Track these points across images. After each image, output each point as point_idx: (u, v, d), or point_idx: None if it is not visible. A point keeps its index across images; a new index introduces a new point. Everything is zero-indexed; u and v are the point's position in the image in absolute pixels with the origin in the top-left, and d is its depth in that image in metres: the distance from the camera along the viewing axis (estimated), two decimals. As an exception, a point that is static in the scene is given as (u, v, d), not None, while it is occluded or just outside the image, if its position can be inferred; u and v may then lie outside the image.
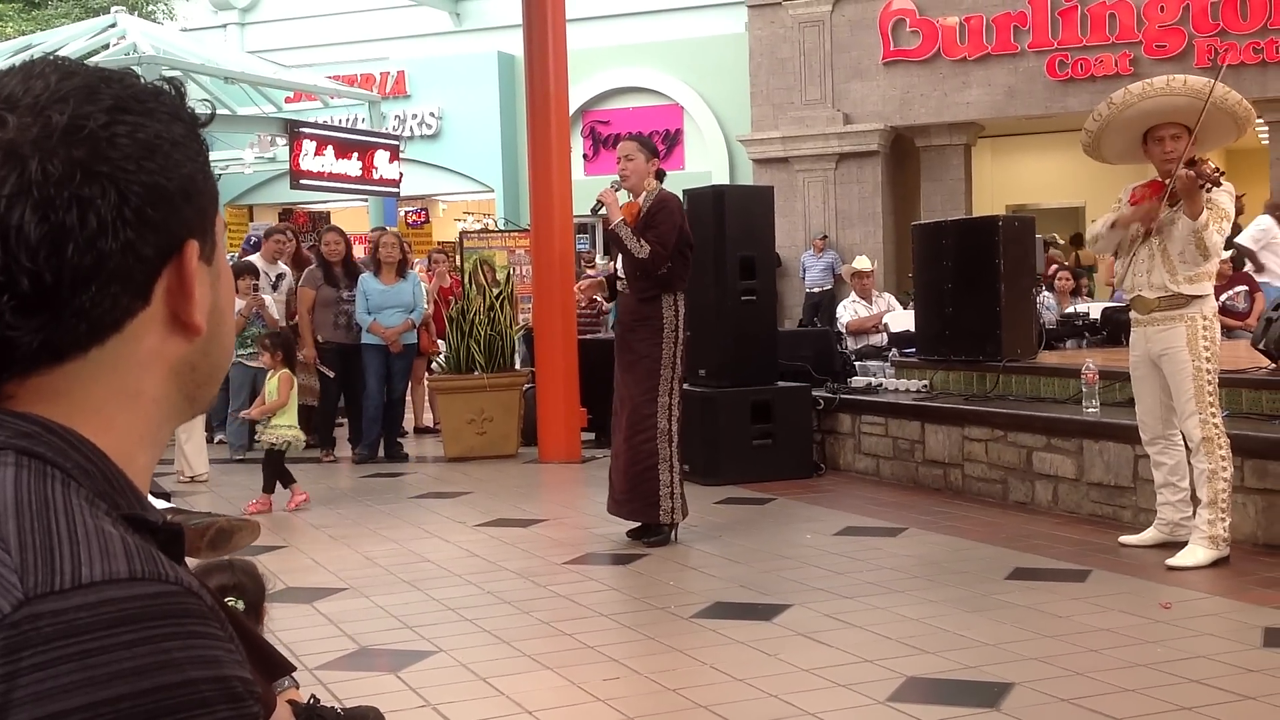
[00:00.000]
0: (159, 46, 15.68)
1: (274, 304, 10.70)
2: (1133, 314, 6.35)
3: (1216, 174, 5.93)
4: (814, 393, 9.25)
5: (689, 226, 6.97)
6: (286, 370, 8.41)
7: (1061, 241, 19.47)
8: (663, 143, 21.73)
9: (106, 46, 15.76)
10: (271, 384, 8.41)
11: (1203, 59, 16.94)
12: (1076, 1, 17.84)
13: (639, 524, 6.89)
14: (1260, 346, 7.38)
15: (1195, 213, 5.90)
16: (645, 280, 6.76)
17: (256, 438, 8.31)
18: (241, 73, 16.69)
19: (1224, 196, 6.03)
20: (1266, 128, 17.24)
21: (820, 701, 4.18)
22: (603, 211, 6.87)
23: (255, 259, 11.16)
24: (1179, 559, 5.92)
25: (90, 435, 0.89)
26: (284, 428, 8.29)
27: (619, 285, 6.99)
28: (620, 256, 6.93)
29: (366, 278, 10.55)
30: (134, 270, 0.89)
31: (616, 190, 6.88)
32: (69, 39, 16.16)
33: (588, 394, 10.41)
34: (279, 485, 8.33)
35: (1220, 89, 6.01)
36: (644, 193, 6.88)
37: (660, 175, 6.98)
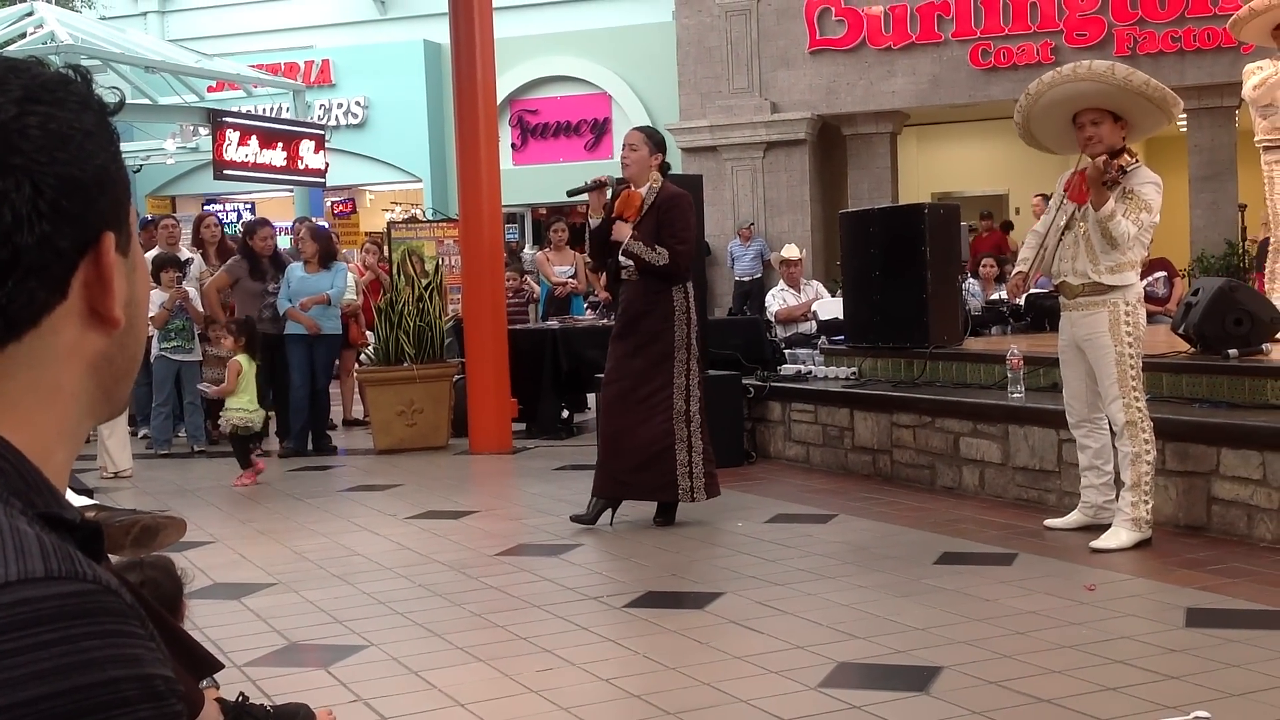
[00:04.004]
0: (77, 35, 15.40)
1: (196, 295, 10.58)
2: (1060, 299, 6.45)
3: (1117, 174, 6.02)
4: (744, 381, 9.28)
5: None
6: (235, 358, 8.93)
7: (988, 215, 19.67)
8: (591, 131, 21.71)
9: (24, 35, 15.45)
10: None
11: (1122, 47, 17.26)
12: (999, -9, 18.08)
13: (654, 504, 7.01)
14: (1180, 331, 7.49)
15: (1098, 203, 5.98)
16: (659, 279, 6.81)
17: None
18: (162, 61, 16.43)
19: (1148, 188, 6.09)
20: (1185, 115, 17.53)
21: (753, 688, 4.20)
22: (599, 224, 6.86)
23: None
24: (1102, 541, 6.01)
25: (6, 432, 0.87)
26: (232, 411, 8.85)
27: (623, 274, 6.94)
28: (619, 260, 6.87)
29: (294, 267, 10.55)
30: (51, 264, 0.87)
31: (611, 187, 6.88)
32: (-17, 28, 15.84)
33: (518, 384, 10.38)
34: (253, 457, 8.97)
35: (1123, 70, 6.09)
36: (645, 185, 6.89)
37: (665, 168, 7.02)
